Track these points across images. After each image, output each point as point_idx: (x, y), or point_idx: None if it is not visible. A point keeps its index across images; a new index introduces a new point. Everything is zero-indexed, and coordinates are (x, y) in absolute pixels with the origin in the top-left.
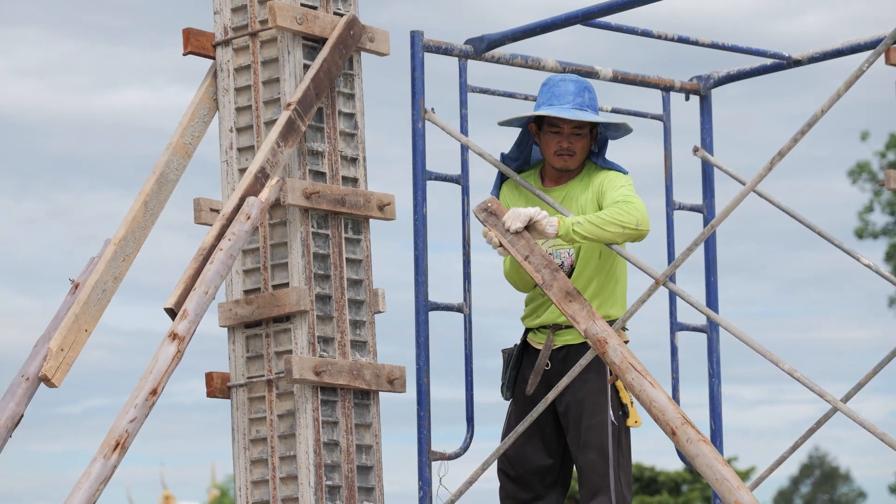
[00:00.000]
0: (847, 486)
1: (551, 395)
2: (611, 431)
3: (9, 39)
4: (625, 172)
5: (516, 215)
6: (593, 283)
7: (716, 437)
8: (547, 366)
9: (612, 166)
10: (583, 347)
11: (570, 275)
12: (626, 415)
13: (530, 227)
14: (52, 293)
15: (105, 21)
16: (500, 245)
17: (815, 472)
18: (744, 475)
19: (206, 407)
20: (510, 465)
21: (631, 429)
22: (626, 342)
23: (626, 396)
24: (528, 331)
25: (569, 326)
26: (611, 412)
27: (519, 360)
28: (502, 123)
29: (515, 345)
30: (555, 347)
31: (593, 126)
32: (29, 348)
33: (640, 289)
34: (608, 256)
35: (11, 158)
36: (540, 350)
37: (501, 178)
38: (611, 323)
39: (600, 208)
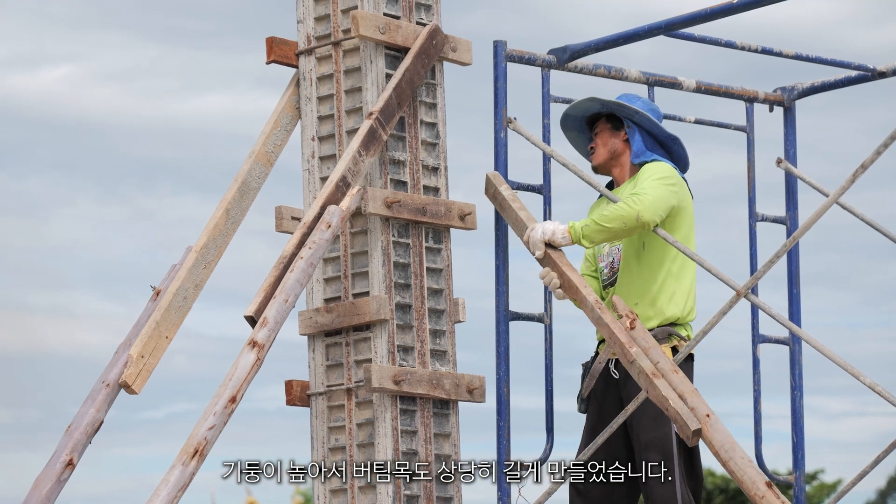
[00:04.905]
0: None
1: (630, 407)
2: (675, 444)
3: (92, 44)
4: (660, 160)
5: (533, 242)
6: (637, 281)
7: (797, 450)
8: (615, 374)
9: (647, 159)
10: None
11: (616, 272)
12: None
13: (550, 244)
14: (135, 297)
15: (188, 25)
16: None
17: None
18: (830, 488)
19: (290, 413)
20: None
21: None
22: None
23: None
24: (600, 342)
25: None
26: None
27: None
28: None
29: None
30: (615, 357)
31: (618, 121)
32: (112, 352)
33: (722, 299)
34: (657, 252)
35: (96, 163)
36: (606, 360)
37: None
38: (664, 324)
39: None
